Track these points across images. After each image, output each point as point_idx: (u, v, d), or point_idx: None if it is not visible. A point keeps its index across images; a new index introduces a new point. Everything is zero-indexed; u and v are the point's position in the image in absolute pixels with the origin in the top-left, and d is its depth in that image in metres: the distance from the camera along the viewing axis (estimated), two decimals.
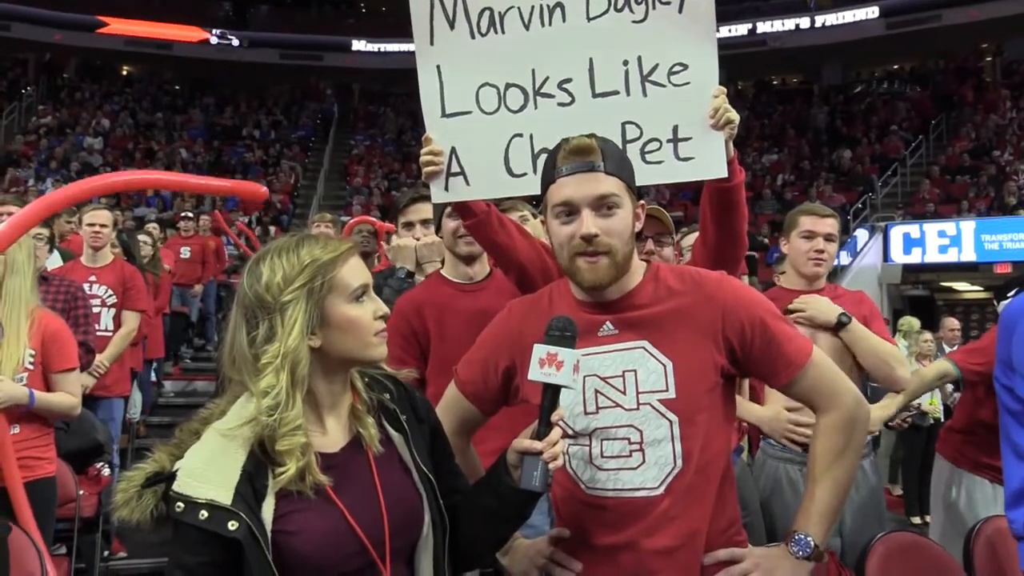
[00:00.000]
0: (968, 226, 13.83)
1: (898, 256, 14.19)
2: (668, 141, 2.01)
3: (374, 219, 6.48)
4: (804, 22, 22.07)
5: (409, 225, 3.27)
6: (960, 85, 20.83)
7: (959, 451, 3.53)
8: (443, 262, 2.90)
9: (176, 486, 1.32)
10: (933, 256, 13.98)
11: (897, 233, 14.32)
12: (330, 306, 1.41)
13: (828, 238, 3.09)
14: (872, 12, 21.23)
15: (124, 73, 24.73)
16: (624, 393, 1.63)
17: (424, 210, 3.23)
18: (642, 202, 1.72)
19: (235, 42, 23.07)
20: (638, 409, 1.61)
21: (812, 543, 1.63)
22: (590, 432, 1.64)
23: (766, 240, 13.93)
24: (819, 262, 3.07)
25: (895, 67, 23.85)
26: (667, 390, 1.61)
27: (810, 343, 1.70)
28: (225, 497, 1.30)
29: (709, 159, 2.01)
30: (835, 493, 1.66)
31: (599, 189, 1.62)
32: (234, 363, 1.41)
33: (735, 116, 2.00)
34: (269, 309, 1.38)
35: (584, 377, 1.63)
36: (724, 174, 2.01)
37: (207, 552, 1.30)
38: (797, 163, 20.05)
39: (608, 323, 1.67)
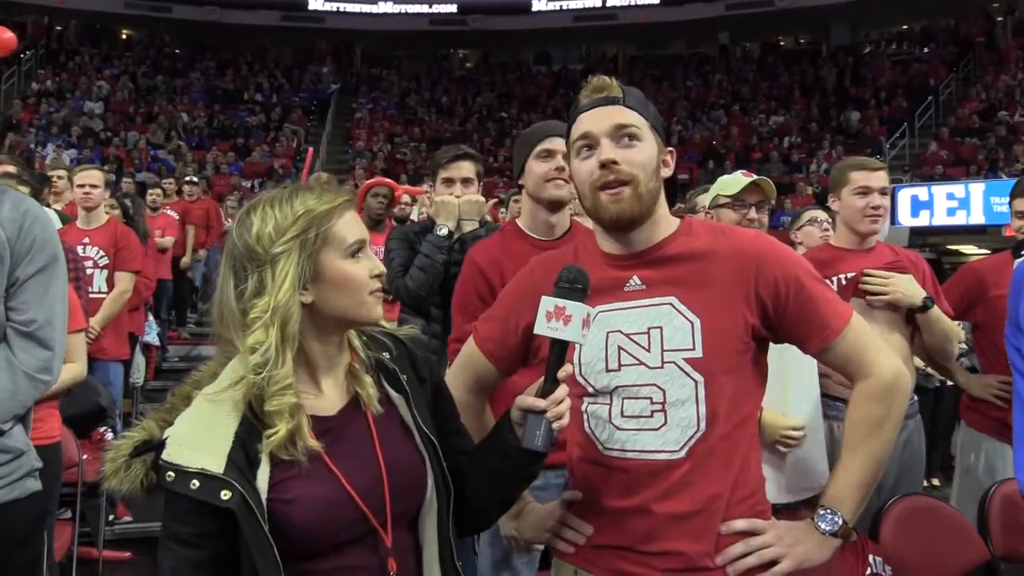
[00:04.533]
0: (977, 188, 13.59)
1: (905, 219, 13.92)
2: None
3: (392, 181, 6.14)
4: None
5: (449, 181, 3.13)
6: (970, 46, 20.49)
7: (979, 412, 3.35)
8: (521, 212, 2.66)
9: (166, 455, 1.26)
10: (941, 219, 13.74)
11: (905, 196, 14.08)
12: (324, 260, 1.32)
13: (882, 192, 2.96)
14: None
15: (124, 36, 24.43)
16: (648, 351, 1.53)
17: (466, 168, 3.12)
18: (670, 149, 1.64)
19: None
20: (662, 367, 1.51)
21: (840, 520, 1.52)
22: (611, 390, 1.55)
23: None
24: (876, 219, 2.94)
25: (904, 27, 23.48)
26: (694, 348, 1.50)
27: (850, 308, 1.58)
28: (217, 465, 1.23)
29: None
30: (870, 467, 1.53)
31: (616, 119, 1.55)
32: (222, 319, 1.33)
33: None
34: (259, 261, 1.29)
35: (607, 333, 1.55)
36: None
37: (200, 522, 1.24)
38: (804, 125, 19.83)
39: (635, 278, 1.57)
